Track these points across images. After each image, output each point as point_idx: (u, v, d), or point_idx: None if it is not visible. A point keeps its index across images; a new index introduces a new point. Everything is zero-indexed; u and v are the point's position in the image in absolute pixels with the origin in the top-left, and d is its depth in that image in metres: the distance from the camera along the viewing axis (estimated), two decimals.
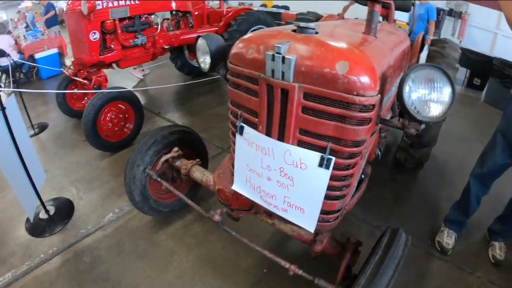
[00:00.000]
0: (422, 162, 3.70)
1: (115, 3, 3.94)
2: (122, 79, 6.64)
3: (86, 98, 4.73)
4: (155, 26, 4.52)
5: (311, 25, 1.40)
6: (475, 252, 2.81)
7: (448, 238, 2.78)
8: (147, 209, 2.67)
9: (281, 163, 1.47)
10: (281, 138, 1.45)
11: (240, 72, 1.52)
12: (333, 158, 1.38)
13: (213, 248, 2.68)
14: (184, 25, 5.24)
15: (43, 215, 3.07)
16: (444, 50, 3.39)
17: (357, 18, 3.62)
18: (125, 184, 2.58)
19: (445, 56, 3.34)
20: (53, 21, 8.43)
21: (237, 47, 1.54)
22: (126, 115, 4.00)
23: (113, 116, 3.86)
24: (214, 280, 2.41)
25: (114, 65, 4.38)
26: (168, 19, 5.26)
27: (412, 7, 3.73)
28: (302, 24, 1.40)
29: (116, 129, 3.94)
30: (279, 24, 5.95)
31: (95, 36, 3.90)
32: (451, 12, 9.68)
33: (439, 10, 9.11)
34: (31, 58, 7.07)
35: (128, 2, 4.04)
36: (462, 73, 8.11)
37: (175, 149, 2.57)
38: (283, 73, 1.31)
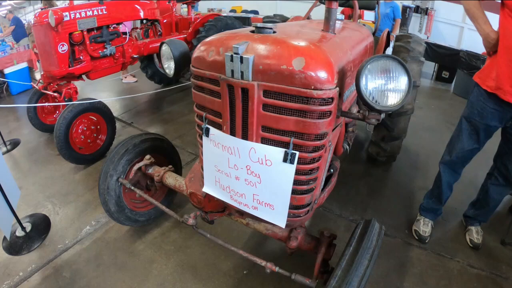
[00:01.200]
0: (394, 154, 3.80)
1: (83, 14, 3.90)
2: (94, 90, 6.59)
3: (57, 112, 4.65)
4: (124, 36, 4.49)
5: (269, 25, 1.44)
6: (453, 238, 2.89)
7: (424, 226, 2.85)
8: (123, 219, 2.64)
9: (247, 161, 1.49)
10: (245, 136, 1.47)
11: (202, 75, 1.54)
12: (297, 153, 1.41)
13: (192, 253, 2.68)
14: (153, 33, 5.22)
15: (19, 232, 2.99)
16: (408, 45, 3.49)
17: None
18: (99, 195, 2.55)
19: (410, 51, 3.44)
20: (20, 34, 8.26)
21: (199, 50, 1.56)
22: (98, 127, 3.95)
23: (85, 128, 3.81)
24: (195, 285, 2.40)
25: (84, 76, 4.32)
26: (137, 28, 5.23)
27: (376, 6, 3.82)
28: (259, 24, 1.43)
29: (89, 141, 3.88)
30: None
31: (63, 48, 3.85)
32: (417, 9, 9.98)
33: (405, 8, 9.39)
34: (0, 73, 6.90)
35: (95, 13, 4.01)
36: (430, 68, 8.36)
37: (147, 156, 2.57)
38: (242, 72, 1.34)
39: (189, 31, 5.32)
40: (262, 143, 1.45)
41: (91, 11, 3.98)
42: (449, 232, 2.97)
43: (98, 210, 3.19)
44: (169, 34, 5.23)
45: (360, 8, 3.76)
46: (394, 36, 4.05)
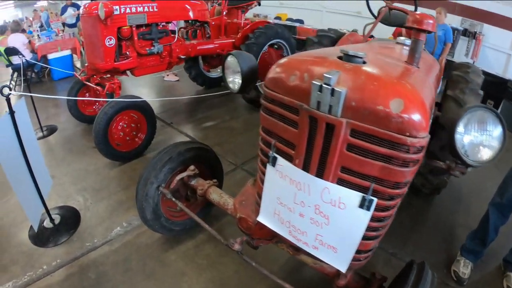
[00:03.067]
0: (440, 188, 3.60)
1: (133, 9, 3.87)
2: (134, 86, 6.59)
3: (97, 104, 4.65)
4: (172, 35, 4.45)
5: (360, 53, 1.31)
6: (490, 282, 2.73)
7: (464, 268, 2.69)
8: (158, 227, 2.56)
9: (317, 201, 1.37)
10: (320, 174, 1.35)
11: (278, 99, 1.42)
12: (375, 200, 1.28)
13: (225, 270, 2.57)
14: (202, 35, 5.16)
15: (48, 223, 2.97)
16: (468, 76, 3.30)
17: (372, 36, 3.53)
18: (136, 201, 2.47)
19: (469, 82, 3.25)
20: (75, 21, 8.41)
21: (275, 71, 1.45)
22: (138, 125, 3.91)
23: (125, 125, 3.78)
24: None
25: (128, 72, 4.30)
26: (184, 28, 5.18)
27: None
28: (351, 52, 1.30)
29: (128, 138, 3.85)
30: (295, 39, 5.88)
31: (111, 42, 3.83)
32: (465, 32, 9.62)
33: (453, 30, 9.05)
34: (44, 58, 7.02)
35: (146, 9, 3.98)
36: None
37: (192, 167, 2.47)
38: (330, 106, 1.21)
39: (238, 36, 5.23)
40: (338, 184, 1.32)
41: (142, 7, 3.94)
42: (486, 275, 2.79)
43: (130, 212, 3.13)
44: (217, 37, 5.16)
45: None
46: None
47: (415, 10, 3.12)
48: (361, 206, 1.29)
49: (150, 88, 6.76)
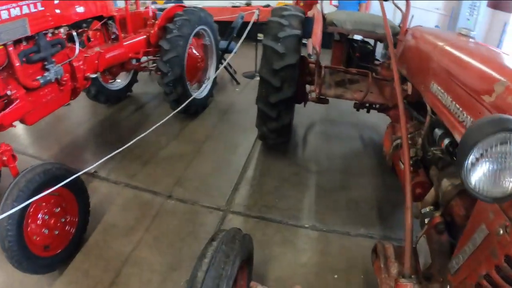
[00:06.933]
0: None
1: (3, 14, 2.18)
2: (14, 137, 3.94)
3: None
4: (70, 44, 2.82)
5: None
6: None
7: None
8: None
9: None
10: None
11: None
12: None
13: None
14: (104, 37, 3.53)
15: None
16: None
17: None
18: None
19: None
20: None
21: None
22: (64, 204, 2.38)
23: (46, 217, 2.23)
24: None
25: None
26: (75, 30, 3.39)
27: None
28: None
29: (56, 232, 2.30)
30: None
31: None
32: None
33: None
34: None
35: (26, 10, 2.31)
36: None
37: None
38: None
39: (153, 30, 3.78)
40: None
41: (18, 9, 2.27)
42: None
43: None
44: (126, 36, 3.60)
45: None
46: None
47: None
48: None
49: (34, 132, 4.07)
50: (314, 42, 3.04)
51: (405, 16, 3.14)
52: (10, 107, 2.35)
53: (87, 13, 2.94)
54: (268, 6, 7.44)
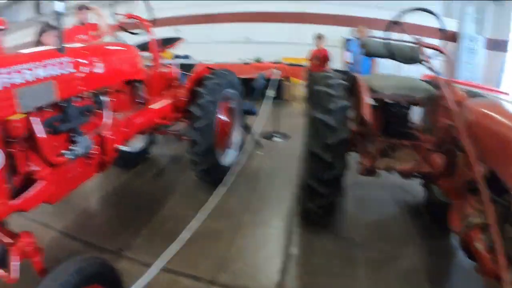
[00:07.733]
0: None
1: (27, 76, 1.77)
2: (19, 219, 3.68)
3: None
4: (100, 109, 2.41)
5: None
6: None
7: None
8: None
9: None
10: None
11: None
12: None
13: None
14: (130, 101, 3.15)
15: None
16: None
17: None
18: None
19: None
20: None
21: None
22: None
23: None
24: None
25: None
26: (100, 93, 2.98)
27: None
28: None
29: None
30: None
31: None
32: None
33: None
34: None
35: (56, 71, 1.92)
36: None
37: None
38: None
39: (181, 94, 3.46)
40: None
41: (44, 68, 1.87)
42: None
43: None
44: (152, 100, 3.21)
45: None
46: None
47: None
48: None
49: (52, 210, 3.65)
50: (365, 111, 2.95)
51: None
52: (33, 189, 1.85)
53: (122, 75, 2.55)
54: (279, 62, 7.35)
